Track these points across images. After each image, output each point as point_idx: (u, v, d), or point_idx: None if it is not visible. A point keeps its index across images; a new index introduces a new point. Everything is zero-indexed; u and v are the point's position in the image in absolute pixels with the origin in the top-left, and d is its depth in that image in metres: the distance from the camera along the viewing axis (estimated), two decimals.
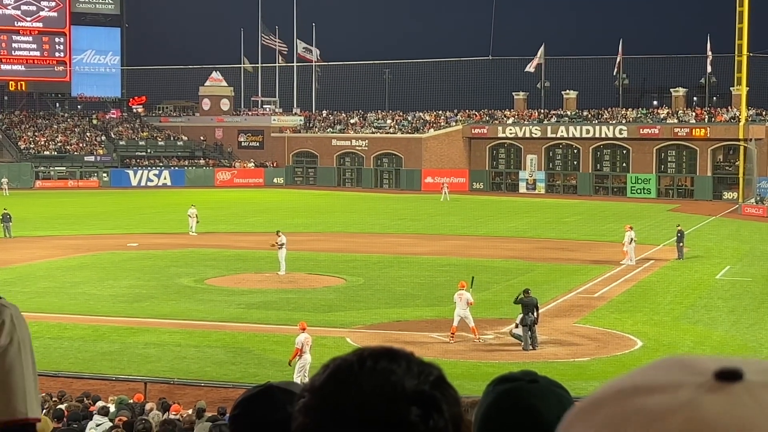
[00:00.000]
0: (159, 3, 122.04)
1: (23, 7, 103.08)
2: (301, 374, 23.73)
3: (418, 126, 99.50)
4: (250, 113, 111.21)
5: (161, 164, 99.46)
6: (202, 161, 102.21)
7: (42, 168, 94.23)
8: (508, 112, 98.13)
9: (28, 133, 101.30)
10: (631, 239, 43.97)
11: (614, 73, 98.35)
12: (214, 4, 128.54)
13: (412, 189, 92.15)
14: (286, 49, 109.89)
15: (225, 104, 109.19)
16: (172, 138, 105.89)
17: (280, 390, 2.85)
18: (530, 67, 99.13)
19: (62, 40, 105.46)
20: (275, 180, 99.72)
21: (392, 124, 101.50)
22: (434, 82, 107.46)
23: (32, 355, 2.92)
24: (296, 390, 2.75)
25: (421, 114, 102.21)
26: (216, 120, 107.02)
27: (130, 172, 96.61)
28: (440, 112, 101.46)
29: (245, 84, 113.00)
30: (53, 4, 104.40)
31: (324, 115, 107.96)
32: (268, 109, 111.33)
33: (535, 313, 27.68)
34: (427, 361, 1.70)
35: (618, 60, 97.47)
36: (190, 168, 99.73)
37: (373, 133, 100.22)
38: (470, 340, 28.58)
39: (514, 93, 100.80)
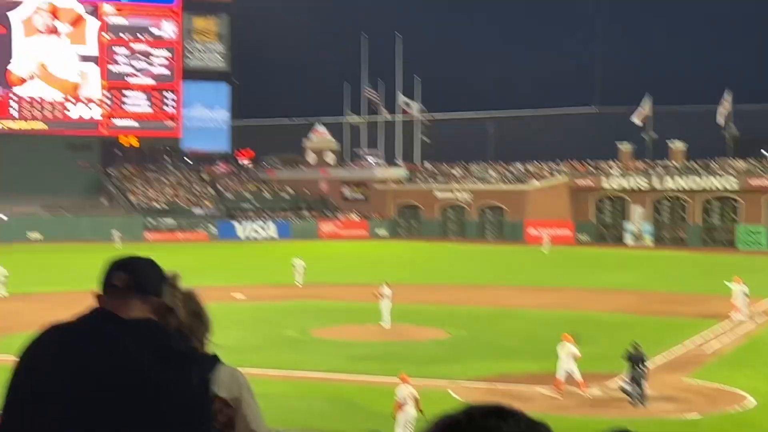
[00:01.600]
0: (266, 58, 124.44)
1: (135, 64, 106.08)
2: (404, 429, 23.57)
3: (522, 177, 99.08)
4: (354, 165, 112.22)
5: (267, 216, 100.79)
6: (306, 213, 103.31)
7: (152, 221, 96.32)
8: (613, 163, 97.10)
9: (139, 187, 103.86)
10: (744, 293, 42.82)
11: (722, 123, 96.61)
12: (318, 58, 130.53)
13: (516, 240, 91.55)
14: (379, 101, 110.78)
15: (329, 157, 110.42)
16: (277, 191, 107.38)
17: None
18: (637, 119, 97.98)
19: (173, 95, 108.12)
20: (379, 232, 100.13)
21: (496, 176, 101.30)
22: (538, 133, 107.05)
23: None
24: None
25: (524, 165, 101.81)
26: (321, 172, 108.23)
27: (237, 225, 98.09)
28: (544, 163, 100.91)
29: (350, 136, 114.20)
30: (164, 61, 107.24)
31: (428, 167, 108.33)
32: (372, 161, 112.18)
33: (643, 368, 27.13)
34: (537, 419, 1.69)
35: (726, 109, 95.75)
36: (295, 220, 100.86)
37: (476, 184, 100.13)
38: (577, 395, 28.11)
39: (619, 143, 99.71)
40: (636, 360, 27.11)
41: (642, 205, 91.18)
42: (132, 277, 3.66)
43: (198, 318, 4.10)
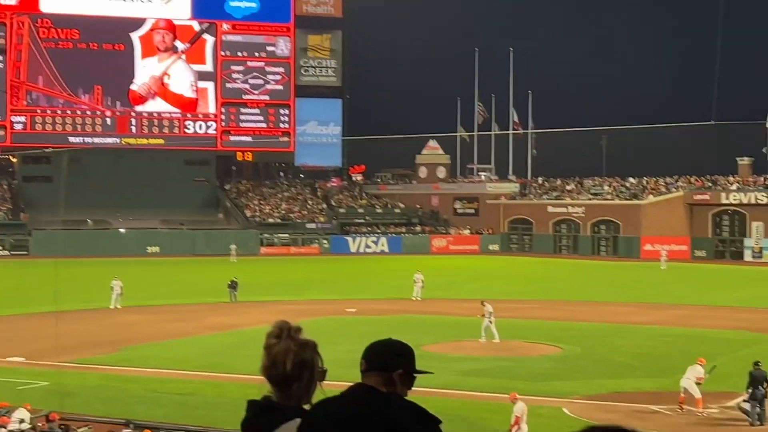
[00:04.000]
0: (378, 74, 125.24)
1: (251, 81, 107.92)
2: None
3: (637, 192, 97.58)
4: (465, 180, 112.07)
5: (379, 231, 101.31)
6: (418, 228, 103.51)
7: (266, 235, 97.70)
8: (732, 178, 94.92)
9: (254, 202, 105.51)
10: None
11: None
12: (430, 74, 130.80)
13: (631, 257, 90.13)
14: (488, 120, 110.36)
15: (441, 172, 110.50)
16: (389, 205, 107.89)
17: None
18: None
19: (287, 111, 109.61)
20: (490, 247, 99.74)
21: (610, 191, 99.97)
22: (653, 148, 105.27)
23: None
24: None
25: (639, 180, 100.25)
26: (432, 187, 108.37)
27: (349, 239, 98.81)
28: (660, 177, 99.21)
29: (461, 152, 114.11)
30: (279, 77, 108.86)
31: (540, 181, 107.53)
32: (483, 177, 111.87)
33: (764, 387, 26.42)
34: None
35: None
36: (407, 235, 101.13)
37: (590, 199, 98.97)
38: (694, 413, 27.52)
39: (737, 158, 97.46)
40: (757, 378, 26.42)
41: (761, 221, 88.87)
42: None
43: (304, 367, 4.55)
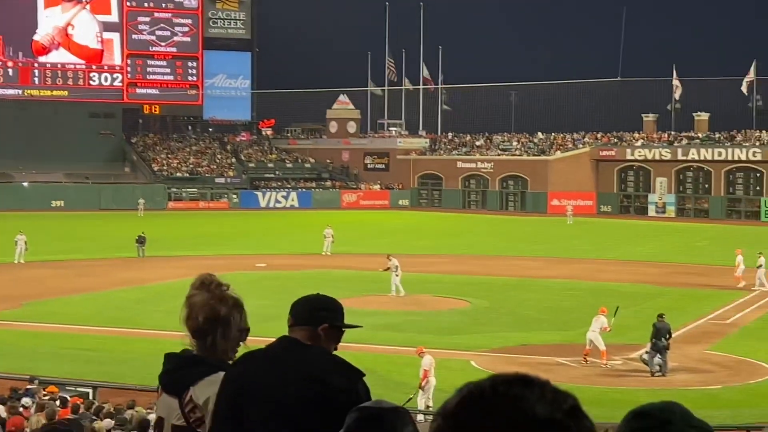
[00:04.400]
0: (288, 28, 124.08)
1: (158, 33, 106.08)
2: (425, 397, 23.69)
3: (545, 148, 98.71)
4: (376, 135, 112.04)
5: (289, 186, 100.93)
6: (328, 183, 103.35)
7: (174, 189, 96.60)
8: (637, 134, 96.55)
9: (162, 156, 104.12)
10: (761, 264, 42.81)
11: (747, 94, 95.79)
12: (341, 28, 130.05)
13: (538, 211, 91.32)
14: (398, 77, 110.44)
15: (352, 127, 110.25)
16: (299, 160, 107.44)
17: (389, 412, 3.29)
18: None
19: (195, 64, 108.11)
20: (400, 202, 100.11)
21: (518, 146, 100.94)
22: (561, 104, 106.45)
23: None
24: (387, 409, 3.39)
25: (547, 136, 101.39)
26: (343, 142, 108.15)
27: (259, 194, 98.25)
28: (567, 134, 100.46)
29: (372, 107, 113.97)
30: (186, 29, 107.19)
31: (450, 137, 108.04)
32: (394, 132, 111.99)
33: (667, 339, 27.09)
34: (564, 390, 1.68)
35: (752, 80, 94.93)
36: (317, 190, 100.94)
37: (498, 155, 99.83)
38: (598, 365, 28.12)
39: (643, 114, 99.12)
40: (660, 330, 27.06)
41: (665, 177, 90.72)
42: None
43: (218, 321, 4.65)
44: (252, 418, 4.09)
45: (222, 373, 4.35)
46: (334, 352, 4.44)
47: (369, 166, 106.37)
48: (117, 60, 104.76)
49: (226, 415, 4.21)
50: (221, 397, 4.24)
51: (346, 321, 4.62)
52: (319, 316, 4.44)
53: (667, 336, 27.06)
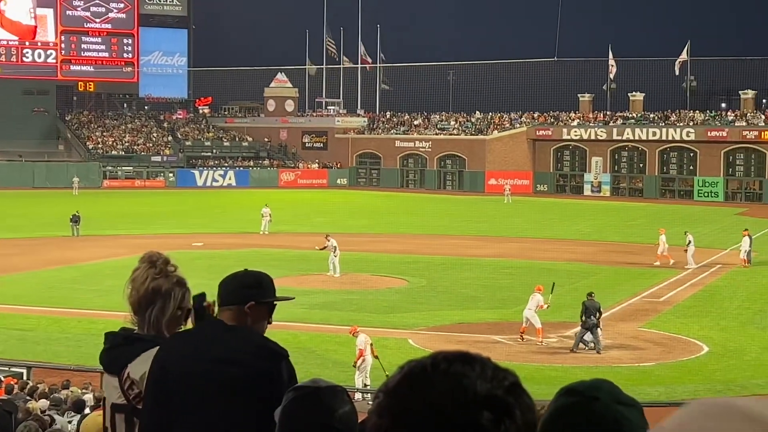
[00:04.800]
0: (225, 5, 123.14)
1: (92, 9, 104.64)
2: (362, 375, 23.76)
3: (482, 127, 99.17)
4: (314, 114, 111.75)
5: (226, 165, 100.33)
6: (266, 162, 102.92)
7: (110, 168, 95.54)
8: (573, 114, 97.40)
9: (97, 133, 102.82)
10: (689, 242, 43.53)
11: (681, 75, 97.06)
12: (279, 6, 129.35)
13: (476, 191, 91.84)
14: (337, 55, 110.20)
15: (290, 105, 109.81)
16: (237, 139, 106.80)
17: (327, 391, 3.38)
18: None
19: (130, 41, 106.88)
20: (339, 181, 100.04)
21: (456, 126, 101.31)
22: (498, 84, 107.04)
23: None
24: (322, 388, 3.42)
25: (485, 115, 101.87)
26: (281, 121, 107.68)
27: (196, 173, 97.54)
28: (504, 113, 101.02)
29: (310, 85, 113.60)
30: (122, 5, 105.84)
31: (388, 116, 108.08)
32: (332, 111, 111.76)
33: (597, 317, 27.47)
34: (504, 367, 1.70)
35: (685, 61, 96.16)
36: (254, 168, 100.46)
37: (436, 134, 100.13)
38: (534, 343, 28.42)
39: (579, 95, 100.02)
40: (589, 309, 27.42)
41: (601, 156, 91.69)
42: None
43: (157, 295, 4.73)
44: (176, 401, 4.06)
45: (157, 349, 4.34)
46: (265, 331, 4.41)
47: (307, 144, 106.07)
48: (51, 36, 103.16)
49: (153, 398, 4.19)
50: (149, 379, 4.22)
51: (284, 293, 4.60)
52: (244, 293, 4.38)
53: (597, 314, 27.45)
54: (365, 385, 23.37)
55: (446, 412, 1.58)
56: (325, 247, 41.08)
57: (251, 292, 4.41)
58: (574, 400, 2.06)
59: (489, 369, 1.65)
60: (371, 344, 24.01)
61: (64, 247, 49.05)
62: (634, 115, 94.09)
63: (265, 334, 4.41)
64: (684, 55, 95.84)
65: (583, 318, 27.48)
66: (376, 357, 23.51)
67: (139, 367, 4.44)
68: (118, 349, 4.65)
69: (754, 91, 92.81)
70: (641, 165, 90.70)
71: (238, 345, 4.10)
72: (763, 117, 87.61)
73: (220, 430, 4.00)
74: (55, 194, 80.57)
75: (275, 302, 4.50)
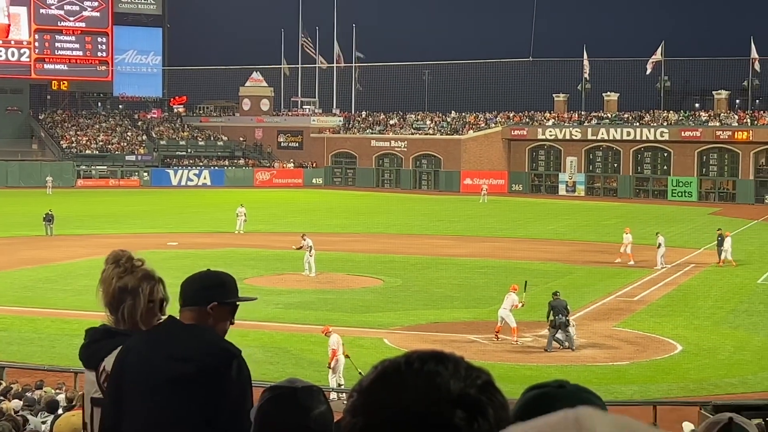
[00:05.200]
0: (200, 4, 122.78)
1: (66, 7, 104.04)
2: (336, 376, 23.76)
3: (458, 127, 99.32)
4: (289, 114, 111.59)
5: (201, 164, 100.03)
6: (241, 161, 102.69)
7: (84, 167, 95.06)
8: (548, 114, 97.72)
9: (71, 132, 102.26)
10: (660, 244, 43.71)
11: (655, 75, 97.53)
12: (254, 5, 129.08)
13: (451, 190, 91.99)
14: (313, 53, 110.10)
15: (265, 105, 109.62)
16: (212, 138, 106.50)
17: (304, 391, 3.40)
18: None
19: (104, 39, 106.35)
20: (314, 180, 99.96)
21: (431, 126, 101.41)
22: (474, 84, 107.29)
23: None
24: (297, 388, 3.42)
25: (460, 115, 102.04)
26: (256, 120, 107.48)
27: (171, 172, 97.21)
28: (480, 113, 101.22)
29: (285, 85, 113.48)
30: (96, 4, 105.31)
31: (363, 116, 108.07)
32: (307, 110, 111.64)
33: (566, 315, 27.59)
34: (477, 366, 1.70)
35: (658, 61, 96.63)
36: (229, 168, 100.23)
37: (412, 134, 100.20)
38: (509, 342, 28.49)
39: (554, 95, 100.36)
40: (557, 308, 27.51)
41: (575, 156, 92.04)
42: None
43: (125, 293, 4.76)
44: (128, 398, 4.12)
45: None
46: (227, 331, 4.42)
47: (282, 144, 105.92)
48: (24, 35, 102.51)
49: (109, 394, 4.28)
50: (110, 375, 4.27)
51: (247, 295, 4.61)
52: (206, 294, 4.39)
53: (565, 312, 27.58)
54: (339, 385, 23.36)
55: (419, 410, 1.59)
56: (301, 247, 41.06)
57: (213, 292, 4.41)
58: (543, 391, 2.11)
59: (462, 368, 1.66)
60: (342, 344, 24.01)
61: (38, 246, 48.76)
62: (609, 115, 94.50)
63: (227, 334, 4.42)
64: (658, 55, 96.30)
65: (551, 318, 27.58)
66: (348, 356, 23.55)
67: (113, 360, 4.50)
68: (97, 344, 4.70)
69: (727, 92, 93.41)
70: (615, 165, 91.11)
71: (191, 343, 4.12)
72: (736, 117, 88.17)
73: (164, 424, 4.03)
74: (28, 193, 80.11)
75: (238, 303, 4.51)
